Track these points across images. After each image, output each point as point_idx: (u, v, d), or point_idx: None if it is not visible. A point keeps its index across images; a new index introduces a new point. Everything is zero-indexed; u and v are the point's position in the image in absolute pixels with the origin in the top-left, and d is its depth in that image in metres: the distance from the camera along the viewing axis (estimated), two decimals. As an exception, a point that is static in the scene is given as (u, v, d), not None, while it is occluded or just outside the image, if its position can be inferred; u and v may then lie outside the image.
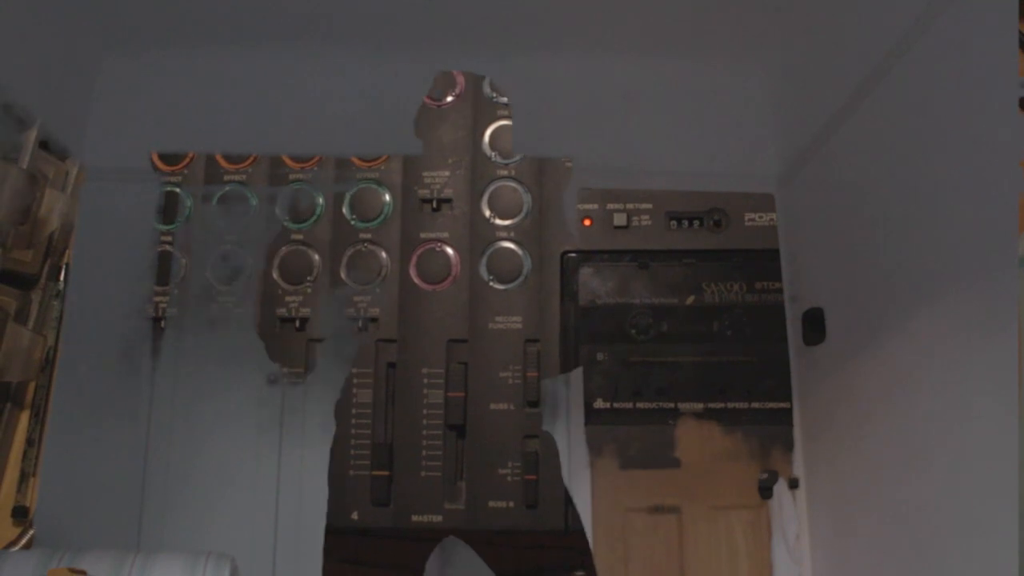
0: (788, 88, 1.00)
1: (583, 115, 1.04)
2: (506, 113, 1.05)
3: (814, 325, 0.94)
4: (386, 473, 0.98)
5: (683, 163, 1.04)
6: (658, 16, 0.97)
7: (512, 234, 1.03)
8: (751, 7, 0.94)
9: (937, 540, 0.70)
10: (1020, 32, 0.64)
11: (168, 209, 1.04)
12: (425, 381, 1.00)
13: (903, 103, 0.76)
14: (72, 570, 0.77)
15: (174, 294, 1.01)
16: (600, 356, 1.00)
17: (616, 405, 0.99)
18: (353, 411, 0.99)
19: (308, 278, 1.02)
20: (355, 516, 0.97)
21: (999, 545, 0.61)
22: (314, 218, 1.03)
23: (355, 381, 1.00)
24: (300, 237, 1.03)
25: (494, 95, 1.06)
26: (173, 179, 1.04)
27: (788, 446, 0.98)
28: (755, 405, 0.99)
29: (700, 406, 0.99)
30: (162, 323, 1.01)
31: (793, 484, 0.96)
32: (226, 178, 1.04)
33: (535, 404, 0.99)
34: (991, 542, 0.63)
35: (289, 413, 0.99)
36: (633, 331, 1.01)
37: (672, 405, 0.99)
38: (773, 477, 0.97)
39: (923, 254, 0.72)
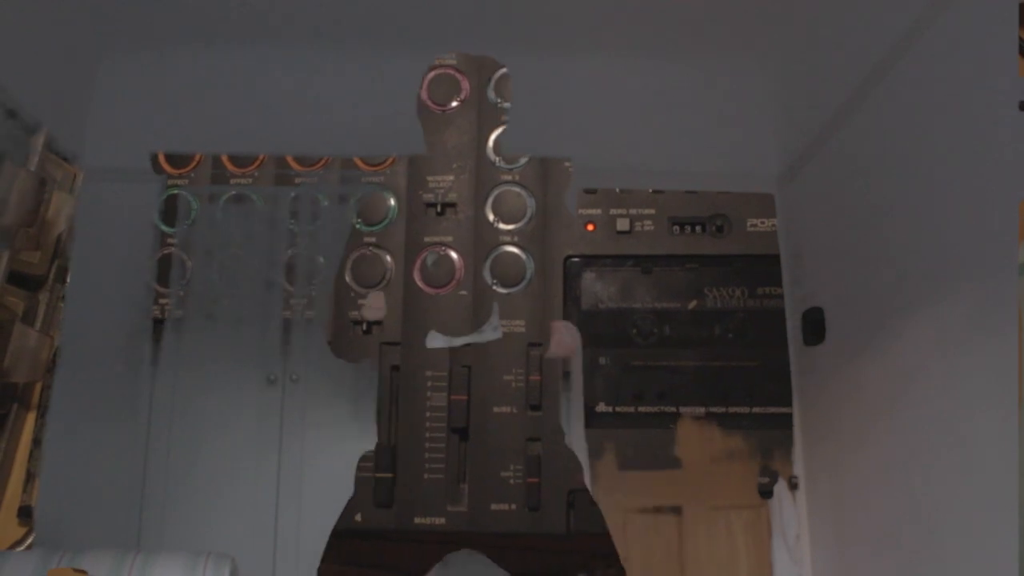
0: (788, 88, 1.01)
1: (583, 115, 1.04)
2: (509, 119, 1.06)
3: (814, 325, 0.94)
4: (389, 475, 0.98)
5: (683, 163, 1.05)
6: (658, 16, 0.98)
7: (516, 238, 1.03)
8: (751, 7, 0.95)
9: (937, 540, 0.70)
10: (1020, 39, 0.64)
11: (171, 211, 1.04)
12: (429, 384, 1.00)
13: (903, 104, 0.77)
14: (73, 570, 0.78)
15: (177, 296, 1.02)
16: (602, 360, 1.01)
17: (618, 409, 0.99)
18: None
19: (312, 281, 1.03)
20: (358, 518, 0.98)
21: (999, 545, 0.61)
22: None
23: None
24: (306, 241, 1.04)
25: (498, 100, 1.06)
26: (180, 181, 1.05)
27: (788, 449, 0.98)
28: (756, 410, 0.99)
29: (701, 410, 0.99)
30: (164, 324, 1.02)
31: (793, 484, 0.97)
32: (232, 181, 1.05)
33: (538, 407, 0.99)
34: (991, 542, 0.63)
35: (289, 413, 1.00)
36: (635, 335, 1.01)
37: (673, 409, 0.99)
38: (773, 477, 0.97)
39: (924, 255, 0.73)
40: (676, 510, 0.97)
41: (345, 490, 0.97)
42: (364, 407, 1.00)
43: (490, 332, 1.00)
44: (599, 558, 0.99)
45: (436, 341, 1.01)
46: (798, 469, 0.97)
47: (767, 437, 0.98)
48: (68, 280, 1.02)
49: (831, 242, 0.91)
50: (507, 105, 1.06)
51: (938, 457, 0.70)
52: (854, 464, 0.85)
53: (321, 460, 0.99)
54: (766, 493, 0.97)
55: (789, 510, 0.96)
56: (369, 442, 0.98)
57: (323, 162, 1.05)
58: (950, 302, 0.68)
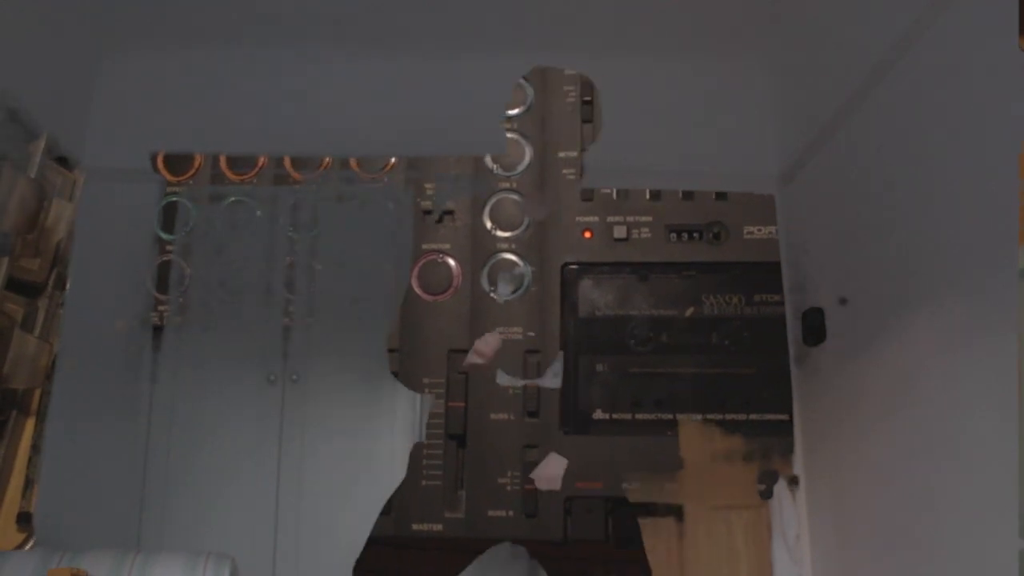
0: (788, 88, 1.01)
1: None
2: (509, 125, 1.06)
3: (814, 326, 0.95)
4: (387, 481, 0.98)
5: (683, 163, 1.05)
6: (658, 16, 0.98)
7: (513, 246, 1.04)
8: (751, 7, 0.96)
9: (937, 540, 0.71)
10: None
11: (170, 219, 1.04)
12: (426, 391, 1.00)
13: (903, 104, 0.77)
14: (72, 570, 0.78)
15: (176, 303, 1.02)
16: (599, 367, 1.01)
17: (615, 416, 1.00)
18: (356, 420, 1.00)
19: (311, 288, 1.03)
20: (355, 524, 0.98)
21: (999, 545, 0.61)
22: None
23: (357, 390, 1.01)
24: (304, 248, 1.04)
25: (495, 104, 1.07)
26: (178, 188, 1.05)
27: (787, 454, 0.98)
28: (753, 417, 0.99)
29: (699, 417, 0.99)
30: (163, 331, 1.02)
31: (793, 484, 0.97)
32: (230, 188, 1.05)
33: (535, 414, 0.99)
34: (991, 542, 0.63)
35: (289, 413, 1.00)
36: (632, 343, 1.01)
37: (671, 416, 0.99)
38: (773, 477, 0.97)
39: (924, 255, 0.73)
40: (676, 510, 0.97)
41: (345, 490, 0.98)
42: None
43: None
44: (597, 565, 0.99)
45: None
46: (798, 469, 0.97)
47: (766, 441, 0.98)
48: (68, 283, 1.01)
49: (831, 242, 0.92)
50: (506, 112, 1.06)
51: (938, 457, 0.70)
52: (854, 464, 0.85)
53: (321, 460, 0.99)
54: (766, 495, 0.97)
55: (789, 510, 0.96)
56: (368, 442, 0.99)
57: (323, 166, 1.05)
58: (950, 302, 0.69)
